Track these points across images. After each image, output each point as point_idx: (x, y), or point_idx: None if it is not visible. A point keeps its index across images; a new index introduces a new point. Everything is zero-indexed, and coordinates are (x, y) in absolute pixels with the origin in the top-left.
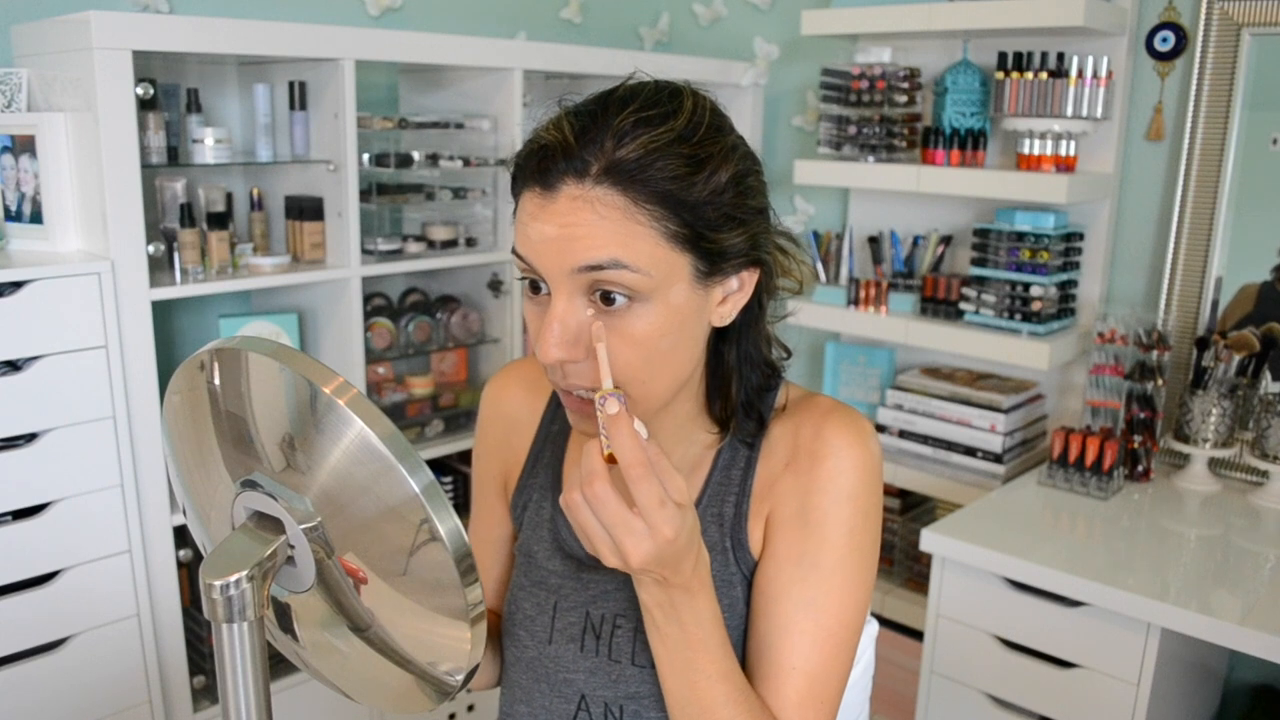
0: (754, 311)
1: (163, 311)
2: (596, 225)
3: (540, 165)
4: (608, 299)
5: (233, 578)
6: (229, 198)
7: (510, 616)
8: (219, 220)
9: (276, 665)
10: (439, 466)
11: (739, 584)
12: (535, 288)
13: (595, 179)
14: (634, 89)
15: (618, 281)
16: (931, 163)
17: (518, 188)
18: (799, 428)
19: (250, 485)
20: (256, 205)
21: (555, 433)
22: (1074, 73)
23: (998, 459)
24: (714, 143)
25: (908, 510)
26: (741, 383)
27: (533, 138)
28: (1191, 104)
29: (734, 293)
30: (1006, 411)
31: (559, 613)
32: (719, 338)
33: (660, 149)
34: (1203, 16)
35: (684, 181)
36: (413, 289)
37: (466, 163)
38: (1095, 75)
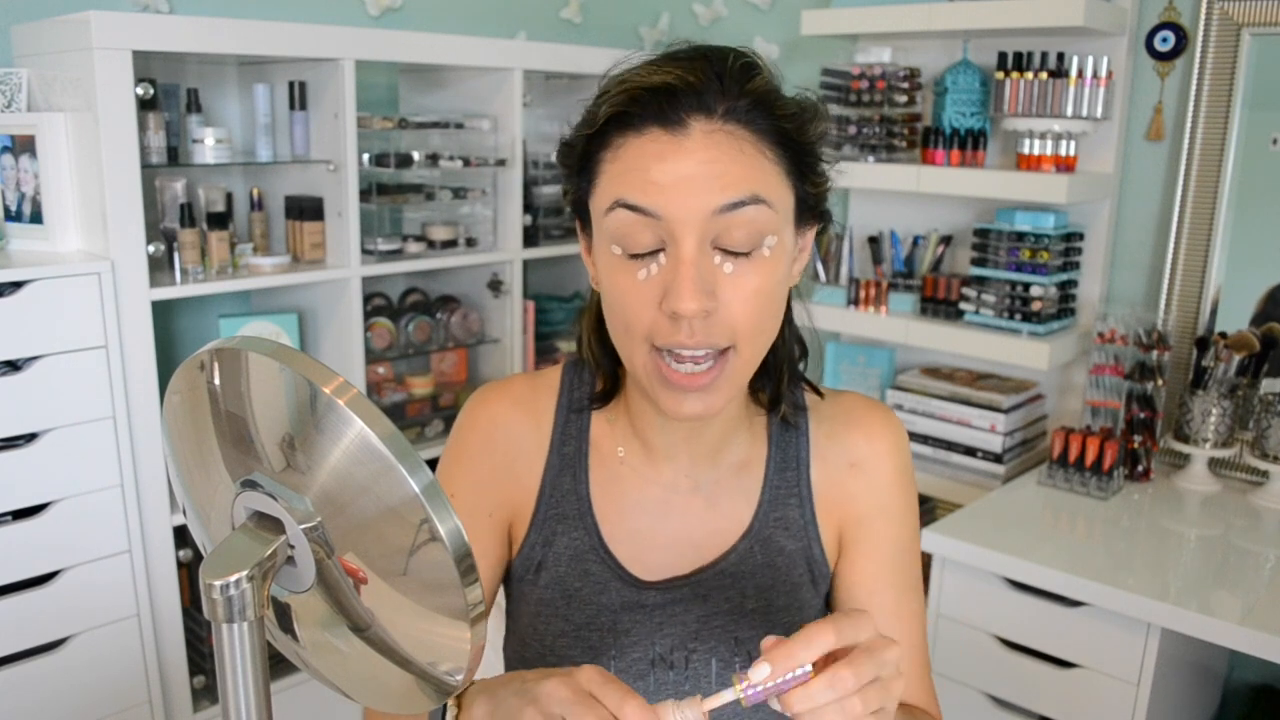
0: (794, 290)
1: (163, 311)
2: (736, 160)
3: (665, 104)
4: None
5: (233, 578)
6: (229, 198)
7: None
8: (219, 220)
9: (276, 665)
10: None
11: (805, 586)
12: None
13: (723, 116)
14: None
15: (754, 220)
16: (931, 163)
17: (610, 135)
18: (848, 432)
19: (250, 485)
20: (256, 205)
21: (570, 455)
22: (1074, 73)
23: (998, 459)
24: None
25: None
26: (792, 361)
27: (631, 83)
28: (1191, 104)
29: (800, 253)
30: (1006, 411)
31: (620, 651)
32: None
33: (774, 91)
34: (1203, 16)
35: (796, 121)
36: (413, 289)
37: (466, 163)
38: (1095, 75)
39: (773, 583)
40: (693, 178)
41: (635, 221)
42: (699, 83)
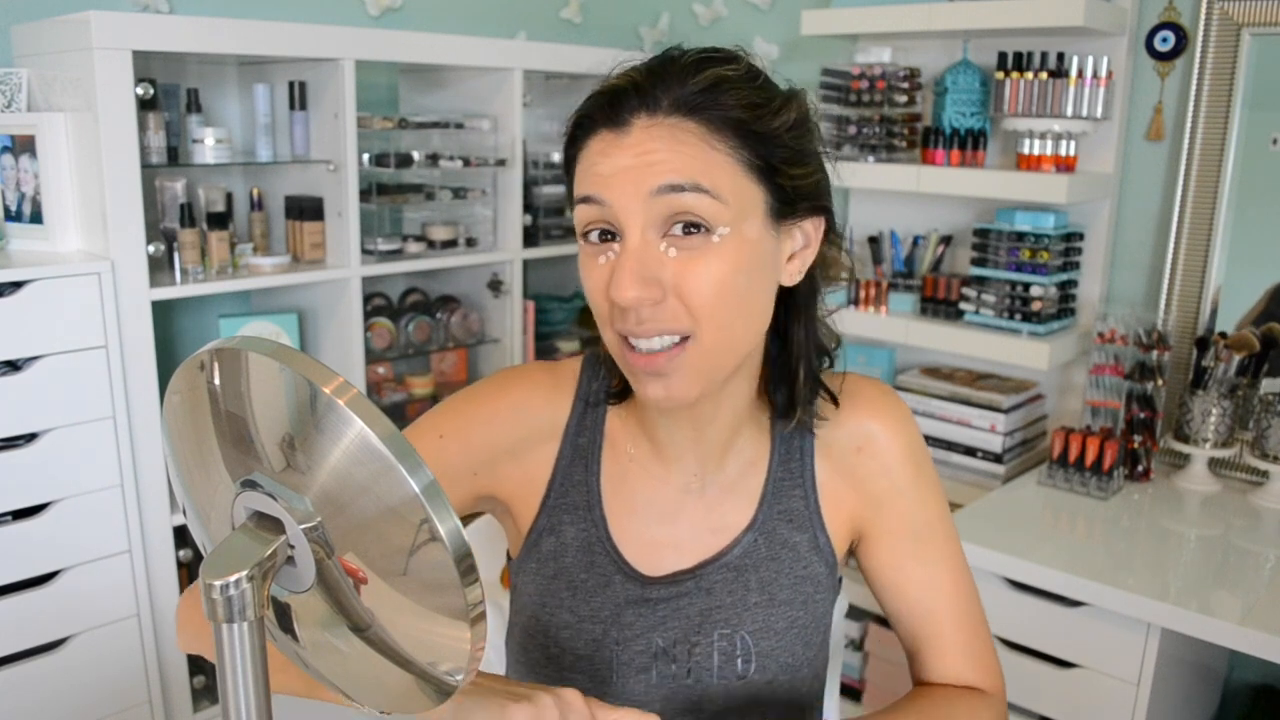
0: (814, 292)
1: (163, 311)
2: (675, 150)
3: (611, 106)
4: (686, 230)
5: (233, 578)
6: (229, 198)
7: (554, 661)
8: (219, 220)
9: None
10: None
11: (810, 579)
12: (604, 236)
13: (667, 111)
14: (693, 48)
15: (695, 208)
16: (931, 163)
17: (580, 140)
18: (851, 414)
19: (250, 485)
20: (256, 205)
21: (583, 446)
22: (1074, 73)
23: (998, 459)
24: (775, 87)
25: None
26: (810, 365)
27: (595, 91)
28: (1191, 104)
29: (801, 249)
30: (1006, 411)
31: (621, 644)
32: (785, 318)
33: (729, 81)
34: (1203, 16)
35: (755, 111)
36: (413, 289)
37: (466, 163)
38: (1095, 75)
39: (776, 576)
40: (630, 168)
41: (591, 212)
42: (645, 83)
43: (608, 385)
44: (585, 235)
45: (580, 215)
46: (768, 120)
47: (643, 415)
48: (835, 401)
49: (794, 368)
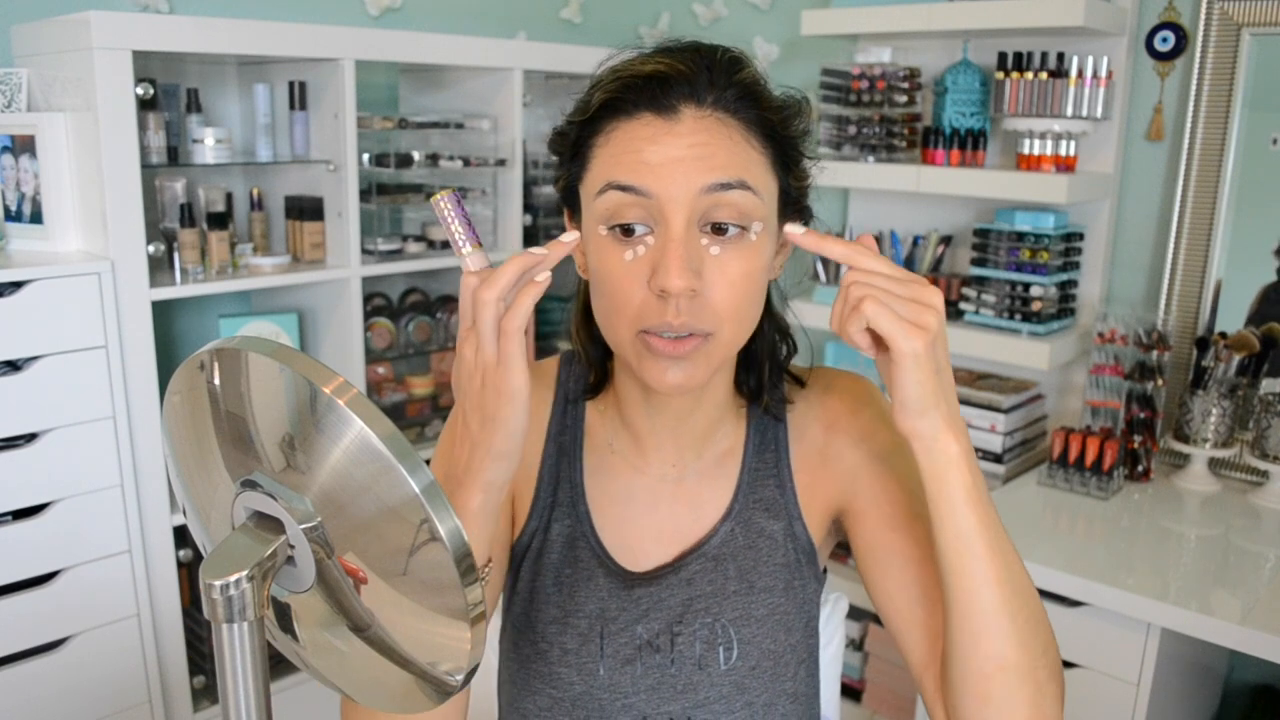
0: (775, 284)
1: (163, 311)
2: (724, 145)
3: (658, 91)
4: (719, 229)
5: (233, 578)
6: (229, 198)
7: (543, 656)
8: (219, 220)
9: (276, 665)
10: None
11: (790, 566)
12: (628, 230)
13: (712, 105)
14: (716, 46)
15: (739, 205)
16: (931, 163)
17: (606, 121)
18: (819, 400)
19: (250, 485)
20: (256, 205)
21: (566, 444)
22: (1074, 73)
23: (998, 459)
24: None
25: None
26: (774, 351)
27: (624, 72)
28: (1191, 104)
29: (782, 246)
30: (1006, 411)
31: (607, 637)
32: None
33: (760, 85)
34: (1203, 16)
35: (781, 114)
36: (413, 289)
37: (466, 163)
38: (1095, 75)
39: (754, 564)
40: (683, 159)
41: (626, 202)
42: (690, 72)
43: (586, 381)
44: (613, 226)
45: (611, 203)
46: (789, 124)
47: (623, 406)
48: (800, 382)
49: (760, 354)
